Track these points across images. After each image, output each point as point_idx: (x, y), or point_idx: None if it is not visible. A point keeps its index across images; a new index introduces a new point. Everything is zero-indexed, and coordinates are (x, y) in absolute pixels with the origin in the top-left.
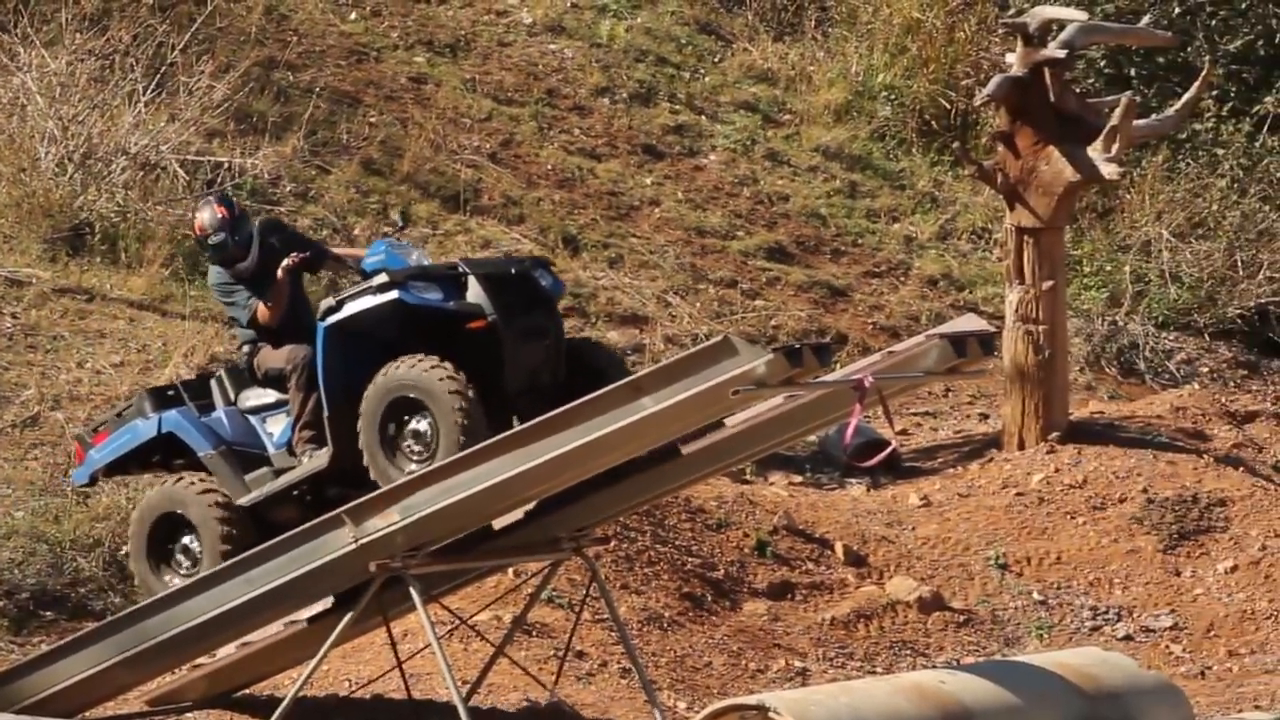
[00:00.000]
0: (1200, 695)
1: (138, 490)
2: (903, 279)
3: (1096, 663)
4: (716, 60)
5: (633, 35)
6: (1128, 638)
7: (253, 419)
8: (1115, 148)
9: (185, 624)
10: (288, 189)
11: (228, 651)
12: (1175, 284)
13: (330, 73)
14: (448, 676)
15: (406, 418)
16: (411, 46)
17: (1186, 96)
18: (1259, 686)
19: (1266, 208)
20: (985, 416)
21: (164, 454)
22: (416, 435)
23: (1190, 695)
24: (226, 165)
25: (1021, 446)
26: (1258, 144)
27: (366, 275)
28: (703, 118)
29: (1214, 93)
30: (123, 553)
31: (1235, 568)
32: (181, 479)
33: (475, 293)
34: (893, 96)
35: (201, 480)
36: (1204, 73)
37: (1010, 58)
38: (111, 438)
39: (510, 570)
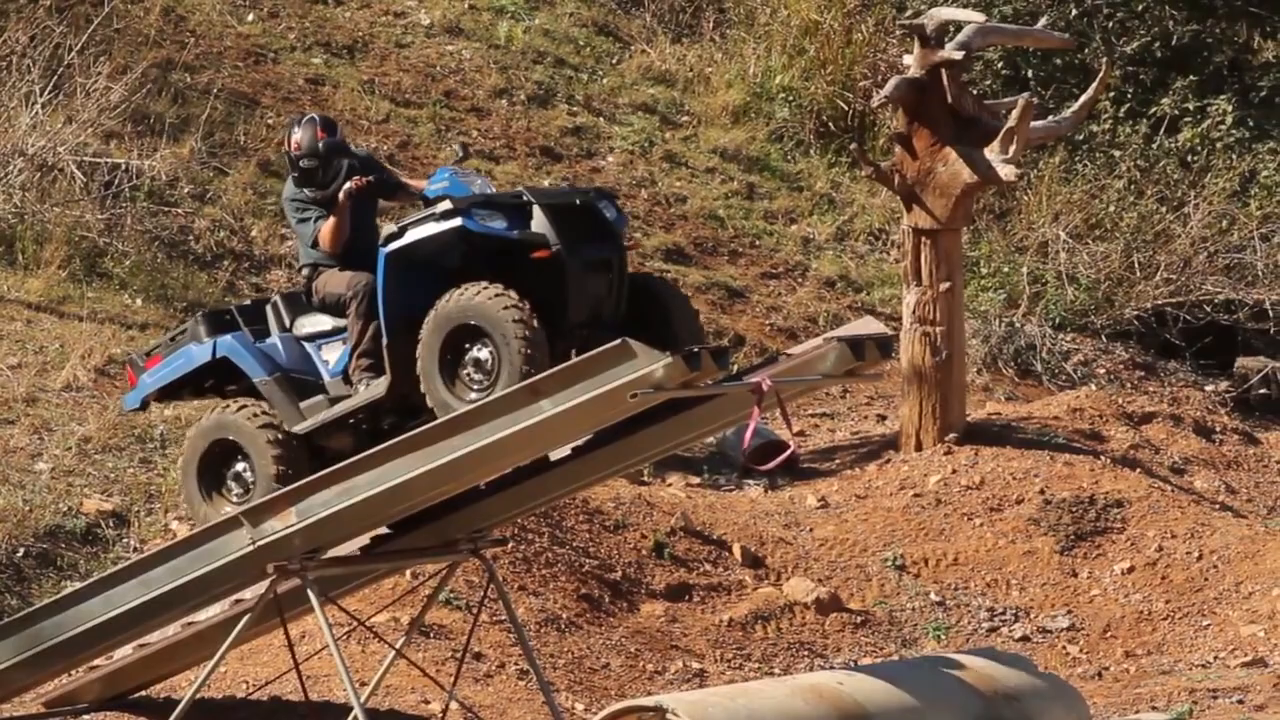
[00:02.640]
0: (1097, 696)
1: (33, 494)
2: (800, 280)
3: (993, 664)
4: (614, 62)
5: (531, 37)
6: (1025, 638)
7: (308, 346)
8: (1012, 149)
9: (82, 625)
10: (185, 190)
11: (125, 653)
12: (1072, 285)
13: (228, 74)
14: (345, 678)
15: (468, 346)
16: (309, 48)
17: (1084, 98)
18: (1155, 687)
19: (1163, 209)
20: (883, 418)
21: (218, 379)
22: (477, 364)
23: (1087, 696)
24: (124, 167)
25: (919, 448)
26: (1155, 145)
27: (429, 202)
28: (601, 119)
29: (1111, 94)
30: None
31: (1132, 569)
32: (237, 405)
33: (540, 222)
34: (790, 98)
35: (256, 405)
36: (1101, 74)
37: (907, 59)
38: (165, 362)
39: (408, 572)
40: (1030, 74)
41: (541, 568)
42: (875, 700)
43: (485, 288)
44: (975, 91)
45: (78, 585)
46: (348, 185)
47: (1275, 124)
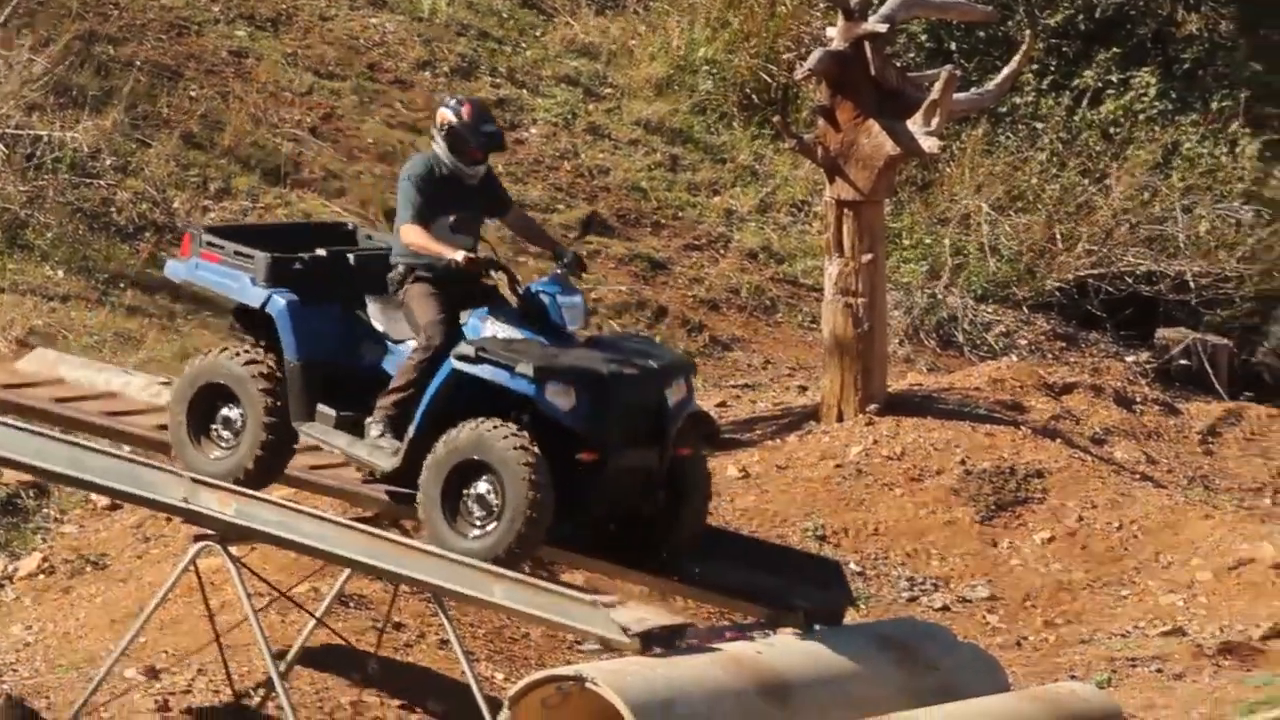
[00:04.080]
0: (1016, 665)
1: None
2: (723, 252)
3: (913, 633)
4: (538, 34)
5: (454, 9)
6: (945, 608)
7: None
8: (935, 121)
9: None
10: (108, 162)
11: None
12: (994, 257)
13: (151, 46)
14: (264, 648)
15: (471, 481)
16: (232, 20)
17: (1006, 70)
18: (1075, 656)
19: (1085, 181)
20: (804, 389)
21: (247, 318)
22: (480, 501)
23: (1006, 665)
24: (46, 139)
25: (840, 419)
26: (1077, 118)
27: (523, 298)
28: (524, 91)
29: (1034, 67)
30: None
31: (1052, 539)
32: (228, 349)
33: (600, 414)
34: (714, 70)
35: (248, 349)
36: (1024, 47)
37: (831, 32)
38: (218, 269)
39: None
40: (953, 46)
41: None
42: (795, 669)
43: (498, 425)
44: (898, 64)
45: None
46: (464, 254)
47: (1197, 96)
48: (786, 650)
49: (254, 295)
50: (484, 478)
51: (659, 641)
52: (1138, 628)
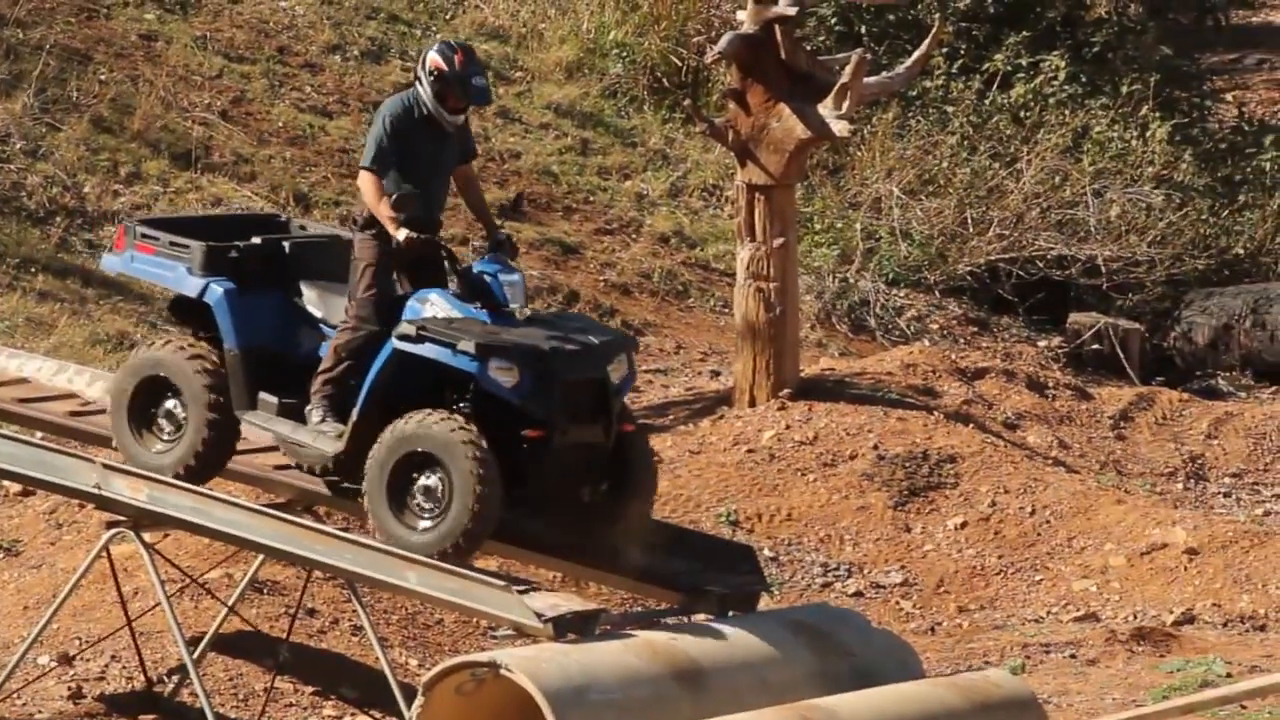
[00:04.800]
0: (930, 651)
1: None
2: (634, 236)
3: (827, 619)
4: (448, 18)
5: None
6: (858, 594)
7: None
8: (846, 105)
9: None
10: (17, 146)
11: None
12: (906, 241)
13: (60, 30)
14: (177, 634)
15: (417, 474)
16: (142, 3)
17: (917, 54)
18: (988, 642)
19: (996, 165)
20: (716, 374)
21: (184, 309)
22: (427, 492)
23: (920, 651)
24: None
25: (753, 404)
26: (987, 101)
27: (462, 277)
28: None
29: (944, 50)
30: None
31: (965, 524)
32: (165, 340)
33: (545, 392)
34: (624, 54)
35: (187, 340)
36: (934, 30)
37: (741, 15)
38: (154, 261)
39: None
40: (863, 30)
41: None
42: (709, 655)
43: (442, 416)
44: (809, 47)
45: None
46: (406, 235)
47: (1107, 80)
48: (700, 636)
49: (191, 285)
50: (430, 469)
51: (573, 628)
52: (1051, 613)
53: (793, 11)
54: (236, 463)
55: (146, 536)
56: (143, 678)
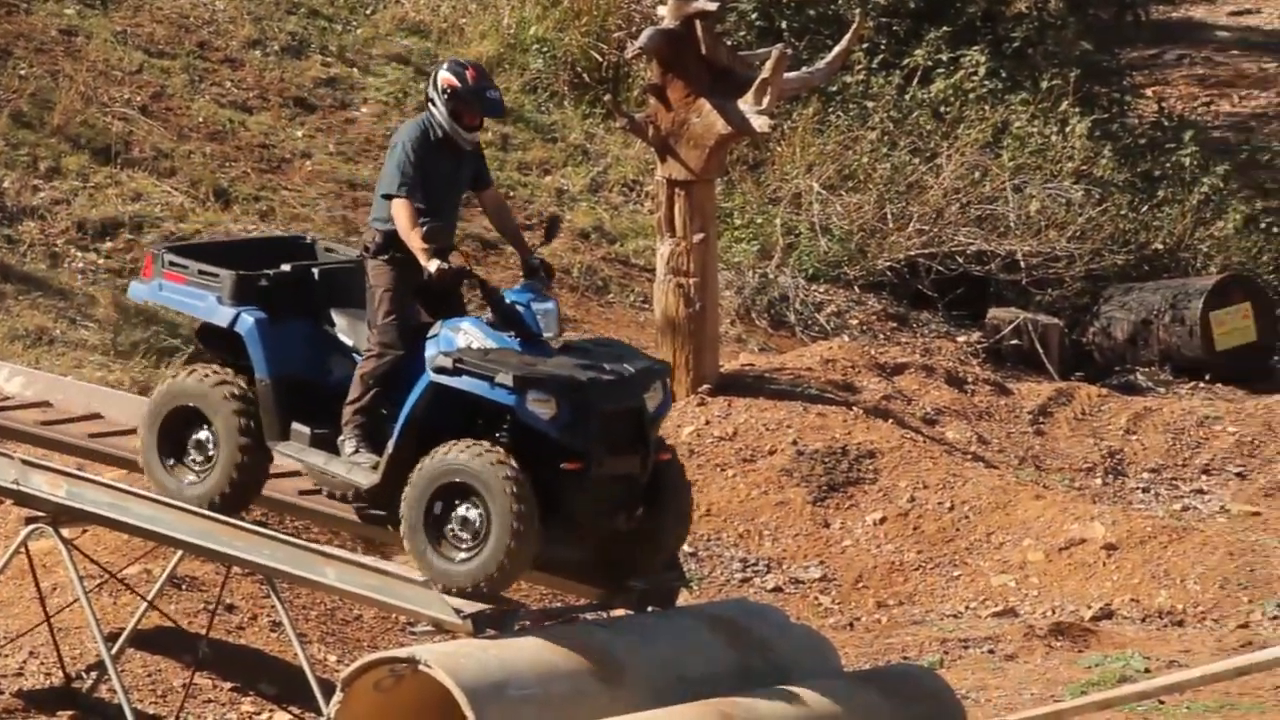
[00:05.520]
0: (849, 646)
1: None
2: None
3: (746, 614)
4: (369, 13)
5: None
6: (777, 589)
7: (337, 344)
8: (766, 100)
9: None
10: None
11: None
12: (825, 236)
13: None
14: (96, 630)
15: (456, 503)
16: None
17: (837, 49)
18: (907, 637)
19: (916, 160)
20: None
21: (214, 338)
22: (465, 523)
23: (839, 647)
24: None
25: (672, 399)
26: (907, 96)
27: (496, 306)
28: (355, 70)
29: (864, 45)
30: None
31: (884, 519)
32: (196, 370)
33: (582, 424)
34: (545, 49)
35: (217, 370)
36: (854, 26)
37: (661, 10)
38: (183, 290)
39: None
40: (784, 25)
41: (294, 519)
42: (628, 651)
43: (479, 446)
44: (729, 43)
45: None
46: (438, 266)
47: (1027, 75)
48: (620, 631)
49: (222, 314)
50: (467, 501)
51: (492, 623)
52: (970, 608)
53: (713, 7)
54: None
55: (65, 532)
56: (61, 674)
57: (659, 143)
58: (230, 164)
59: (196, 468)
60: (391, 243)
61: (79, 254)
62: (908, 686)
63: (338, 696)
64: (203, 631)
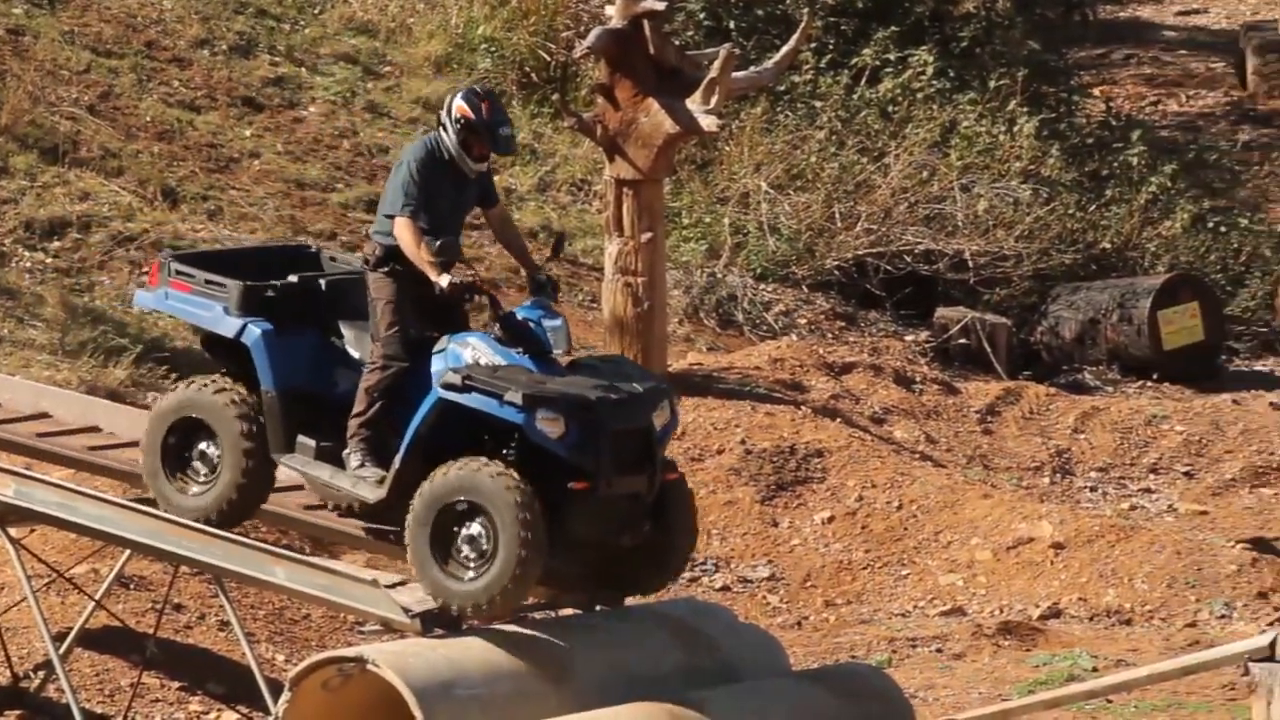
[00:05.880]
0: (797, 646)
1: None
2: None
3: (694, 613)
4: (316, 12)
5: None
6: (725, 588)
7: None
8: (714, 100)
9: None
10: None
11: None
12: (774, 236)
13: None
14: (43, 630)
15: (464, 524)
16: None
17: (785, 49)
18: (855, 637)
19: (864, 160)
20: None
21: (219, 347)
22: (472, 542)
23: (787, 646)
24: None
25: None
26: (855, 96)
27: (505, 323)
28: (303, 70)
29: (812, 45)
30: None
31: (832, 518)
32: (200, 381)
33: (591, 443)
34: (493, 49)
35: (222, 382)
36: (802, 25)
37: (609, 10)
38: (189, 299)
39: None
40: (732, 25)
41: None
42: (576, 650)
43: (487, 465)
44: (677, 42)
45: None
46: (450, 281)
47: (975, 75)
48: (567, 631)
49: (228, 325)
50: (475, 519)
51: (440, 623)
52: (918, 607)
53: (661, 6)
54: (104, 456)
55: (13, 531)
56: (8, 673)
57: (607, 142)
58: (178, 163)
59: (200, 479)
60: (392, 255)
61: (26, 253)
62: (856, 685)
63: (285, 696)
64: (151, 631)
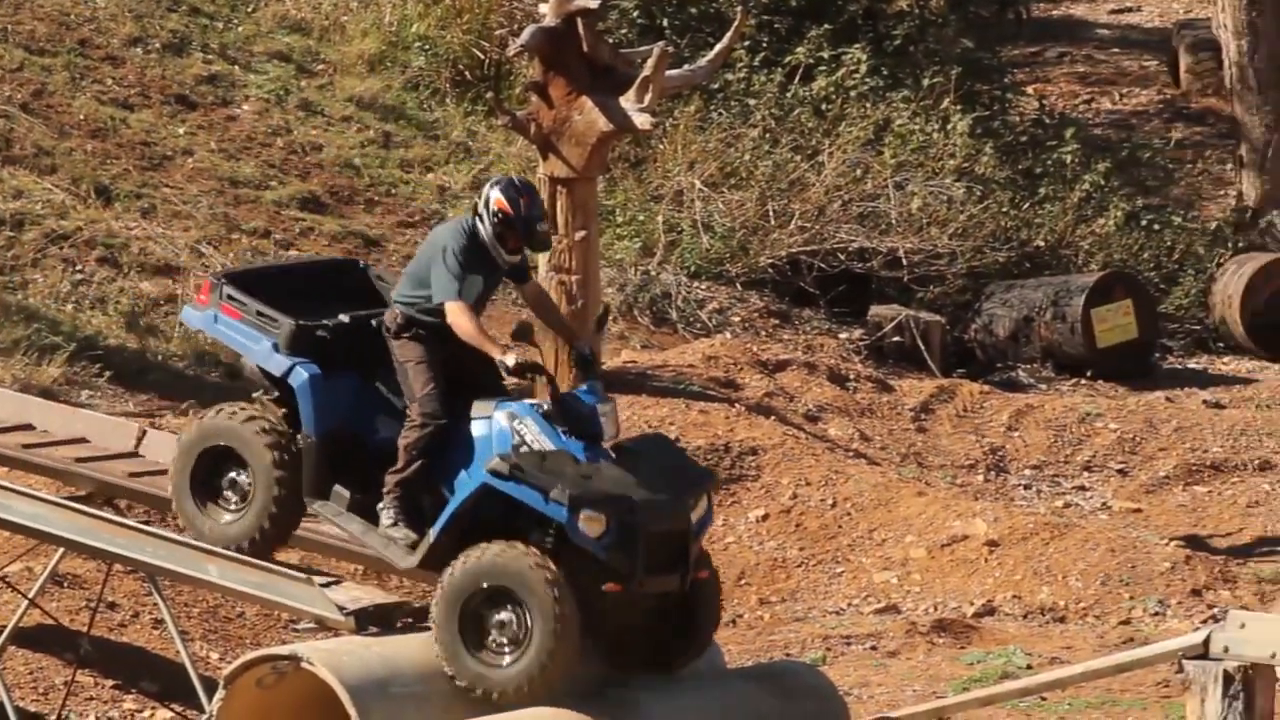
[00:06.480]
0: (732, 644)
1: None
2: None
3: None
4: (250, 10)
5: None
6: None
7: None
8: (648, 98)
9: None
10: None
11: None
12: (708, 234)
13: None
14: None
15: (494, 609)
16: None
17: (719, 47)
18: (789, 634)
19: (798, 158)
20: None
21: (268, 380)
22: (501, 626)
23: (722, 644)
24: None
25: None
26: (789, 94)
27: (563, 403)
28: (236, 68)
29: (746, 43)
30: None
31: (766, 516)
32: (230, 409)
33: (630, 546)
34: (427, 47)
35: (253, 409)
36: (736, 23)
37: (543, 8)
38: (239, 328)
39: None
40: (665, 23)
41: (175, 516)
42: None
43: (524, 552)
44: (611, 40)
45: None
46: (511, 361)
47: (909, 73)
48: None
49: (276, 363)
50: (506, 604)
51: (374, 621)
52: (852, 605)
53: (594, 4)
54: (38, 454)
55: None
56: None
57: (541, 140)
58: (112, 161)
59: (231, 507)
60: (414, 321)
61: None
62: (790, 683)
63: (220, 694)
64: (85, 629)
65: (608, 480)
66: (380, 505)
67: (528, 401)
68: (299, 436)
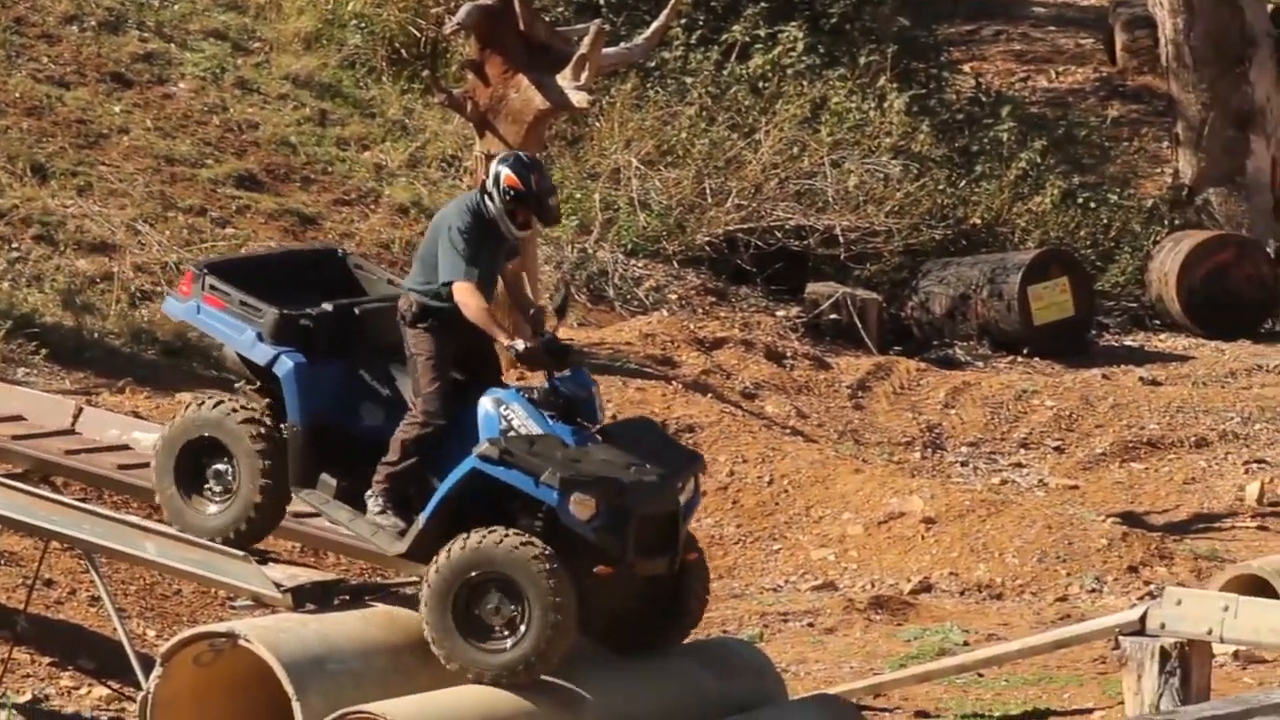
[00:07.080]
0: None
1: None
2: (373, 207)
3: None
4: None
5: None
6: None
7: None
8: (584, 76)
9: None
10: None
11: None
12: (644, 212)
13: None
14: None
15: (488, 595)
16: None
17: (655, 25)
18: (727, 611)
19: (734, 135)
20: None
21: (251, 370)
22: (497, 612)
23: None
24: None
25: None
26: (726, 72)
27: (551, 390)
28: (172, 45)
29: (682, 21)
30: None
31: (704, 493)
32: (214, 400)
33: (621, 530)
34: (363, 24)
35: (236, 400)
36: (672, 1)
37: None
38: (222, 318)
39: None
40: (602, 1)
41: (112, 494)
42: None
43: (512, 536)
44: (547, 18)
45: None
46: (521, 347)
47: (845, 51)
48: None
49: (261, 353)
50: (500, 590)
51: (311, 598)
52: (789, 582)
53: None
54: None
55: None
56: None
57: (477, 118)
58: (47, 139)
59: (216, 498)
60: (428, 311)
61: None
62: (728, 660)
63: (157, 671)
64: (21, 606)
65: (597, 463)
66: (368, 493)
67: (514, 387)
68: (284, 426)
